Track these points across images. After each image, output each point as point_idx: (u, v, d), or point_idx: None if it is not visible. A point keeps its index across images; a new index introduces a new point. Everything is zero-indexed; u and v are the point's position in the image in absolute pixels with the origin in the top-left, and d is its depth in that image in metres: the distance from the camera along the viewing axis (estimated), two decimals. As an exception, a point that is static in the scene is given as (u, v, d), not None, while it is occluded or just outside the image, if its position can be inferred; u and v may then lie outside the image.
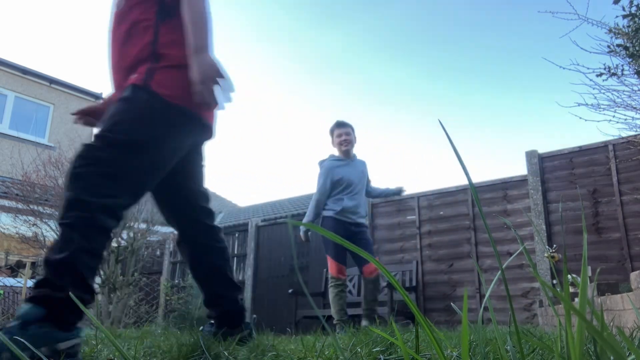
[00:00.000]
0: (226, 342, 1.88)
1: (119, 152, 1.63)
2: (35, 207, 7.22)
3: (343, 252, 4.54)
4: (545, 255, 5.56)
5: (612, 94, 4.40)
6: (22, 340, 1.25)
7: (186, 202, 2.06)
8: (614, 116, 4.48)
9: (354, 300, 6.69)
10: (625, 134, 4.84)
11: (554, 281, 4.91)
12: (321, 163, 4.81)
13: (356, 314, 6.24)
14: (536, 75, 21.78)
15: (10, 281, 8.82)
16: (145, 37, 1.81)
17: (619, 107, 4.41)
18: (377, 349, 1.39)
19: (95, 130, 1.83)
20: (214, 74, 1.72)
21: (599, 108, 4.46)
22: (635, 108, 4.35)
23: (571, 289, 3.80)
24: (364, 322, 4.42)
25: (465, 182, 6.45)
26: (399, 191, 5.04)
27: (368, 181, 4.95)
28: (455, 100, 21.68)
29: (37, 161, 7.62)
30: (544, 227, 5.82)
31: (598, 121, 4.53)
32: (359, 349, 1.41)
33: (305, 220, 4.64)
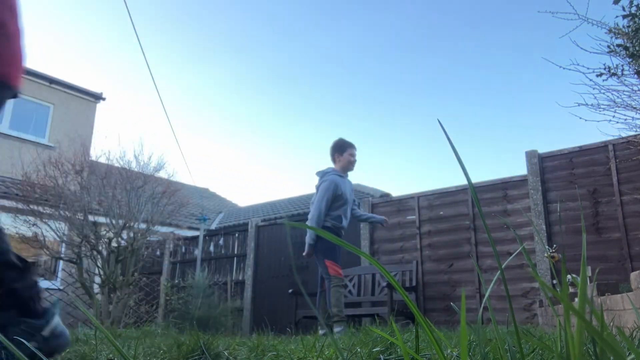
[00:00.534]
0: (226, 341, 1.88)
1: None
2: (35, 207, 7.22)
3: (340, 255, 4.92)
4: (545, 255, 5.56)
5: (612, 94, 4.40)
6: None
7: None
8: (614, 116, 4.48)
9: (354, 300, 6.69)
10: (625, 134, 4.84)
11: (554, 281, 4.92)
12: (323, 175, 5.03)
13: (356, 314, 6.24)
14: (536, 75, 21.77)
15: (10, 281, 8.81)
16: None
17: (619, 107, 4.41)
18: (377, 349, 1.39)
19: None
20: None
21: (599, 108, 4.46)
22: (635, 108, 4.34)
23: (571, 289, 3.80)
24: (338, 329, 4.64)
25: (465, 182, 6.45)
26: (381, 221, 5.34)
27: (354, 202, 5.29)
28: (455, 100, 21.68)
29: (37, 161, 7.61)
30: (544, 227, 5.82)
31: (598, 121, 4.53)
32: (359, 349, 1.41)
33: (309, 239, 4.96)
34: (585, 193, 5.65)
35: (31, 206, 7.22)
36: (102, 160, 7.87)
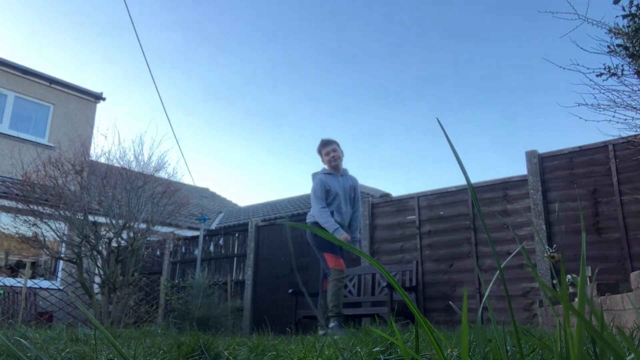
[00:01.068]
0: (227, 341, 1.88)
1: None
2: (35, 207, 7.21)
3: (339, 248, 4.84)
4: (545, 255, 5.56)
5: (612, 94, 4.40)
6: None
7: None
8: (614, 116, 4.48)
9: (354, 300, 6.69)
10: (625, 134, 4.83)
11: (554, 281, 4.91)
12: (313, 176, 5.21)
13: (356, 314, 6.24)
14: (536, 75, 21.76)
15: (10, 281, 8.82)
16: None
17: (619, 107, 4.41)
18: (377, 349, 1.39)
19: None
20: None
21: (599, 108, 4.46)
22: (635, 108, 4.35)
23: (571, 289, 3.80)
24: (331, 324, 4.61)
25: (465, 181, 6.46)
26: (356, 241, 5.35)
27: (352, 199, 5.25)
28: (455, 99, 21.68)
29: (37, 161, 7.61)
30: (544, 227, 5.82)
31: (598, 121, 4.53)
32: (359, 349, 1.41)
33: (332, 228, 4.85)
34: (585, 193, 5.65)
35: (31, 206, 7.21)
36: (102, 160, 7.87)
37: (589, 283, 2.86)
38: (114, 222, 7.14)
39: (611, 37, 4.19)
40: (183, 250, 10.26)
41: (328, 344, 1.62)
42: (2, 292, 7.90)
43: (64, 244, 7.96)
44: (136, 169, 7.75)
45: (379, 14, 18.87)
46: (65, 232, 7.41)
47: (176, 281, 9.62)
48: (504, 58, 19.49)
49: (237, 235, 9.45)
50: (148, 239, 7.80)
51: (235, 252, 9.34)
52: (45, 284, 9.49)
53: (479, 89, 22.11)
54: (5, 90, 11.52)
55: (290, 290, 6.55)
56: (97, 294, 7.36)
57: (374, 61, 21.13)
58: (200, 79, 22.52)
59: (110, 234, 7.18)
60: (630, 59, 4.06)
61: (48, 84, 12.18)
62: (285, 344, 2.18)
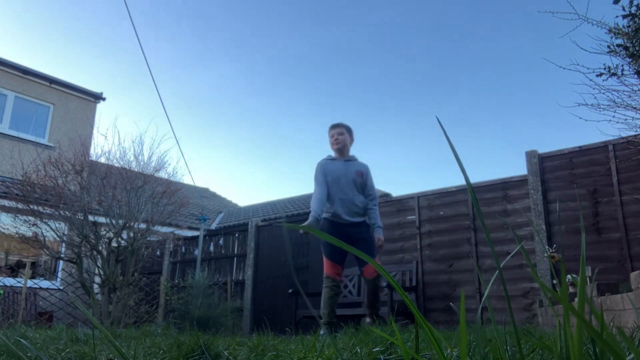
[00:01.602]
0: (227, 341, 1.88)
1: None
2: (35, 207, 7.21)
3: (340, 253, 4.52)
4: (545, 255, 5.56)
5: (612, 94, 4.40)
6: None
7: None
8: (614, 116, 4.48)
9: (354, 300, 6.69)
10: (625, 134, 4.84)
11: (554, 281, 4.91)
12: (319, 163, 4.95)
13: (356, 314, 6.24)
14: (536, 75, 21.77)
15: (10, 281, 8.82)
16: None
17: (619, 107, 4.41)
18: (377, 349, 1.39)
19: None
20: None
21: (599, 108, 4.46)
22: (635, 108, 4.35)
23: (571, 289, 3.80)
24: (367, 320, 4.44)
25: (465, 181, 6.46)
26: (378, 228, 4.93)
27: (367, 187, 4.85)
28: (455, 99, 21.68)
29: (37, 161, 7.61)
30: (543, 227, 5.82)
31: (598, 121, 4.53)
32: (358, 349, 1.41)
33: (311, 215, 4.53)
34: (585, 193, 5.65)
35: (31, 206, 7.21)
36: (102, 160, 7.87)
37: (588, 283, 2.86)
38: (114, 222, 7.14)
39: (611, 37, 4.19)
40: (183, 250, 10.26)
41: (328, 344, 1.62)
42: (2, 292, 7.90)
43: (64, 244, 7.96)
44: (136, 169, 7.75)
45: (379, 14, 18.87)
46: (65, 232, 7.41)
47: (176, 281, 9.62)
48: (504, 58, 19.49)
49: (237, 235, 9.45)
50: (148, 239, 7.80)
51: (235, 252, 9.34)
52: (45, 284, 9.49)
53: (479, 88, 22.11)
54: (5, 90, 11.52)
55: (290, 290, 6.56)
56: (97, 294, 7.36)
57: (374, 61, 21.14)
58: (200, 79, 22.53)
59: (110, 234, 7.18)
60: (630, 59, 4.06)
61: (48, 83, 12.17)
62: (285, 344, 2.18)
